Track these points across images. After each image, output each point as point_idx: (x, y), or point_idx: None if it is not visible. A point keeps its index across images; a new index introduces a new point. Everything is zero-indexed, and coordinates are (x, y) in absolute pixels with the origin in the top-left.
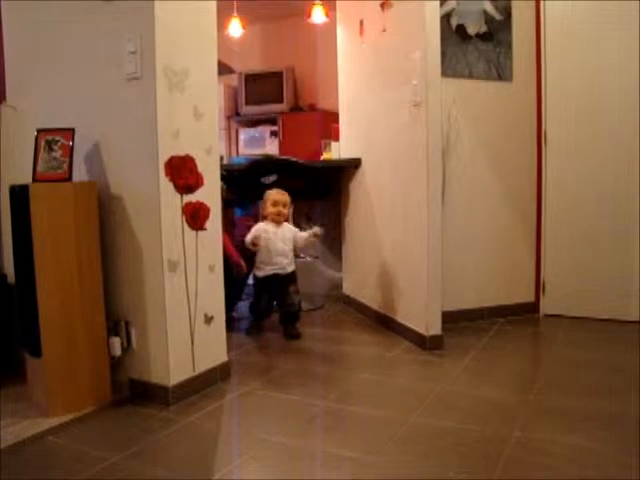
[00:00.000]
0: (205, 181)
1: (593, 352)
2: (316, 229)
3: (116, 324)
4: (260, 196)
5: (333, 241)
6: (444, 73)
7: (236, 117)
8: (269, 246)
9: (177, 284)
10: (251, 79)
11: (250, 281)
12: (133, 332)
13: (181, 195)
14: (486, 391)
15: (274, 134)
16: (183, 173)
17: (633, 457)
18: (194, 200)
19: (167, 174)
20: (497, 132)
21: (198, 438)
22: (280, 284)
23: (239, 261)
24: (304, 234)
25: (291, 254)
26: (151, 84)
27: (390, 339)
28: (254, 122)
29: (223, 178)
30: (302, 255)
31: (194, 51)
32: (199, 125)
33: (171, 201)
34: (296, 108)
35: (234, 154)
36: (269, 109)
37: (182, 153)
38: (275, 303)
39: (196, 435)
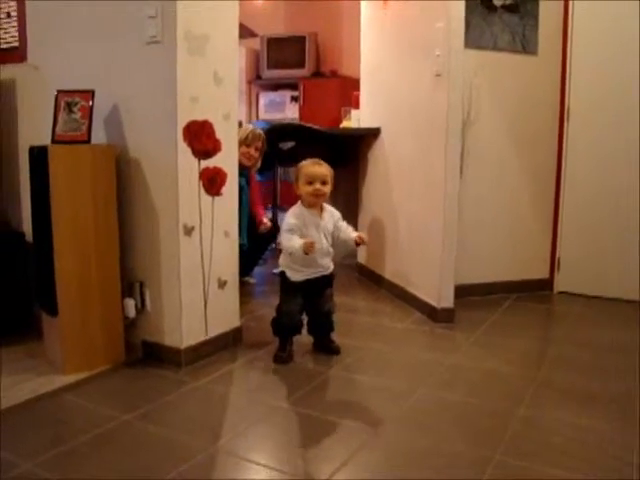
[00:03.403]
0: (223, 147)
1: (605, 331)
2: (363, 235)
3: (131, 286)
4: (279, 161)
5: (350, 209)
6: (467, 44)
7: (257, 81)
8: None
9: (192, 248)
10: (274, 43)
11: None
12: (147, 294)
13: (199, 160)
14: (494, 366)
15: (294, 99)
16: (201, 138)
17: (636, 438)
18: (211, 166)
19: (185, 139)
20: (519, 106)
21: (207, 401)
22: (317, 287)
23: (263, 219)
24: (349, 233)
25: (332, 249)
26: (172, 48)
27: (402, 310)
28: (275, 86)
29: None
30: None
31: (215, 16)
32: (219, 90)
33: (189, 166)
34: (318, 74)
35: (254, 118)
36: (290, 74)
37: (201, 118)
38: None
39: (205, 398)
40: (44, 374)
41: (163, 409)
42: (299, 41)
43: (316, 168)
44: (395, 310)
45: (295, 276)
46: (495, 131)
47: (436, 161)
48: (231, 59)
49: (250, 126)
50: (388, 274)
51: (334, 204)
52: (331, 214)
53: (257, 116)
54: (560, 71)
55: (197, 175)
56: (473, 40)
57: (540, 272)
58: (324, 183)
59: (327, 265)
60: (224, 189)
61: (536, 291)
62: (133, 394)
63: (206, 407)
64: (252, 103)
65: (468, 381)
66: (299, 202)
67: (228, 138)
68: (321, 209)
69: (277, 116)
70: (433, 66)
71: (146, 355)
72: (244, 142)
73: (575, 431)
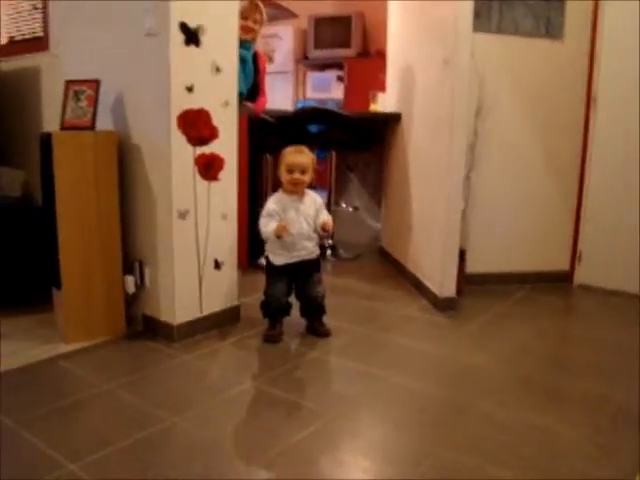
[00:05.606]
0: (221, 133)
1: (614, 331)
2: (327, 221)
3: (131, 264)
4: (307, 142)
5: (378, 191)
6: (487, 29)
7: (304, 61)
8: (291, 229)
9: (186, 231)
10: (320, 23)
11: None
12: (147, 272)
13: (194, 147)
14: (478, 359)
15: (340, 79)
16: (197, 126)
17: (597, 448)
18: (208, 152)
19: (179, 126)
20: (541, 93)
21: (189, 376)
22: (303, 272)
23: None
24: (324, 219)
25: (315, 234)
26: (166, 40)
27: (410, 296)
28: (322, 66)
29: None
30: (343, 205)
31: (210, 8)
32: (216, 79)
33: (183, 153)
34: (364, 54)
35: (301, 97)
36: (337, 53)
37: (196, 107)
38: (294, 294)
39: (188, 373)
40: (50, 342)
41: (144, 380)
42: (345, 21)
43: (296, 157)
44: (404, 295)
45: (277, 260)
46: (514, 118)
47: (442, 148)
48: (230, 49)
49: None
50: (404, 259)
51: (364, 186)
52: (313, 200)
53: (304, 95)
54: (588, 57)
55: (192, 161)
56: (493, 24)
57: (560, 263)
58: (303, 172)
59: (310, 249)
60: (221, 174)
61: (555, 283)
62: (122, 365)
63: (183, 382)
64: (299, 83)
65: (445, 372)
66: (280, 189)
67: (226, 125)
68: (302, 194)
69: (323, 96)
70: (442, 52)
71: (146, 328)
72: (241, 16)
73: (533, 433)
